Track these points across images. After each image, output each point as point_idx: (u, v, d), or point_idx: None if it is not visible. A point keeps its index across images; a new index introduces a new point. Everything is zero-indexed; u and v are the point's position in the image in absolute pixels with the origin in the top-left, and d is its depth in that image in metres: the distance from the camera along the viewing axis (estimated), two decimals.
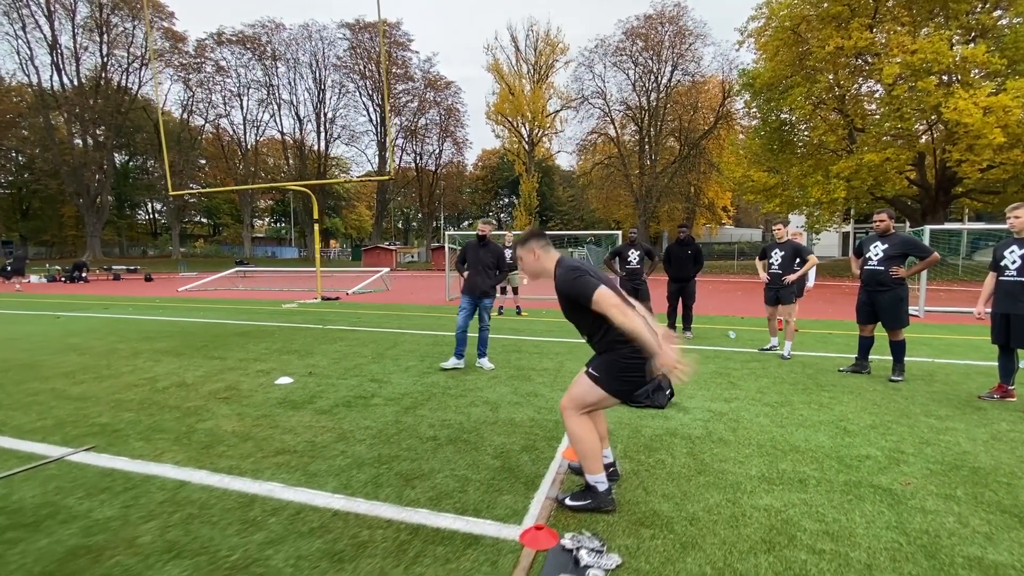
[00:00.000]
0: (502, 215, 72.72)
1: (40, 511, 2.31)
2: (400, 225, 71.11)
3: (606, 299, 2.11)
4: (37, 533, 2.13)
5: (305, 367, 5.32)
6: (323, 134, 50.45)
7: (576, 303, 2.24)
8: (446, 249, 14.77)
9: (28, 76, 38.58)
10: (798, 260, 5.98)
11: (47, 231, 47.41)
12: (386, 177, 39.59)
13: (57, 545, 2.04)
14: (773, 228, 6.35)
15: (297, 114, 49.56)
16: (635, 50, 39.77)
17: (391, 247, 46.07)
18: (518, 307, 10.49)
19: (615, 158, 42.37)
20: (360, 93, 50.02)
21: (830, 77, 20.62)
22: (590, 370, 2.31)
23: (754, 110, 25.29)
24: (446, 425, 3.48)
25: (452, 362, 5.18)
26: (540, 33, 48.35)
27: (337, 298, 14.17)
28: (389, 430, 3.38)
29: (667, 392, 3.91)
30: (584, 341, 2.42)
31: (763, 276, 6.24)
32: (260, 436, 3.27)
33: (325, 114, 49.95)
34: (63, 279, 23.46)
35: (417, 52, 50.08)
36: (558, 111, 48.34)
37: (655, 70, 40.07)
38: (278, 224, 69.25)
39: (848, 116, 21.00)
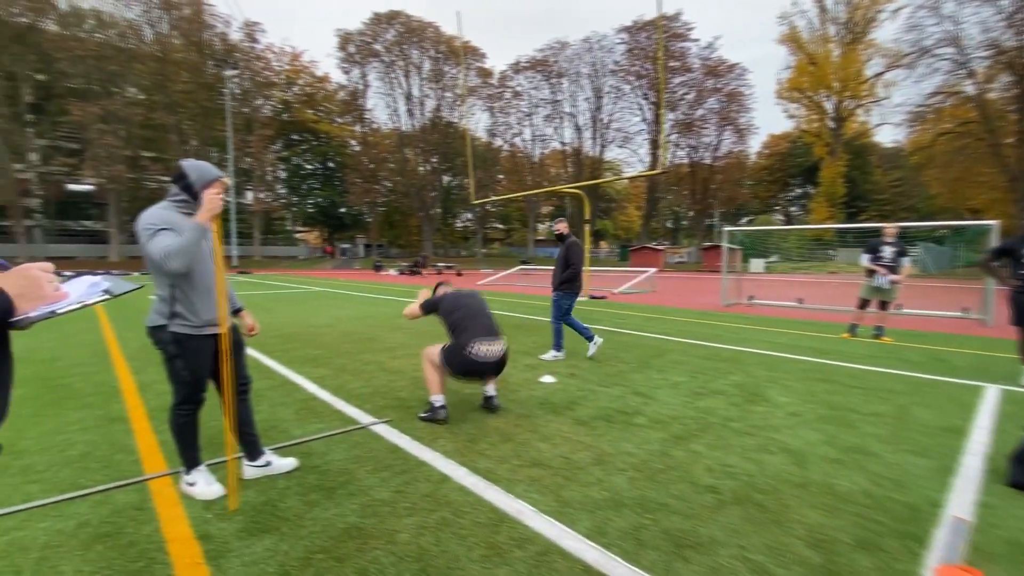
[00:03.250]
0: (792, 208, 62.47)
1: (339, 477, 2.61)
2: (669, 224, 68.74)
3: None
4: (330, 500, 2.36)
5: (568, 367, 5.19)
6: (598, 140, 52.92)
7: None
8: (724, 249, 13.05)
9: (393, 123, 52.90)
10: None
11: (402, 237, 63.91)
12: (655, 172, 38.80)
13: (339, 519, 2.20)
14: None
15: (576, 124, 53.34)
16: None
17: (659, 247, 44.83)
18: (879, 328, 7.01)
19: (973, 123, 30.86)
20: (635, 94, 50.40)
21: None
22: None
23: None
24: (729, 473, 2.67)
25: (551, 355, 5.63)
26: None
27: (603, 297, 14.24)
28: (655, 463, 2.79)
29: None
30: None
31: None
32: (519, 439, 3.13)
33: (601, 120, 52.22)
34: (406, 273, 31.01)
35: (697, 40, 47.06)
36: (880, 74, 38.48)
37: None
38: None
39: None
